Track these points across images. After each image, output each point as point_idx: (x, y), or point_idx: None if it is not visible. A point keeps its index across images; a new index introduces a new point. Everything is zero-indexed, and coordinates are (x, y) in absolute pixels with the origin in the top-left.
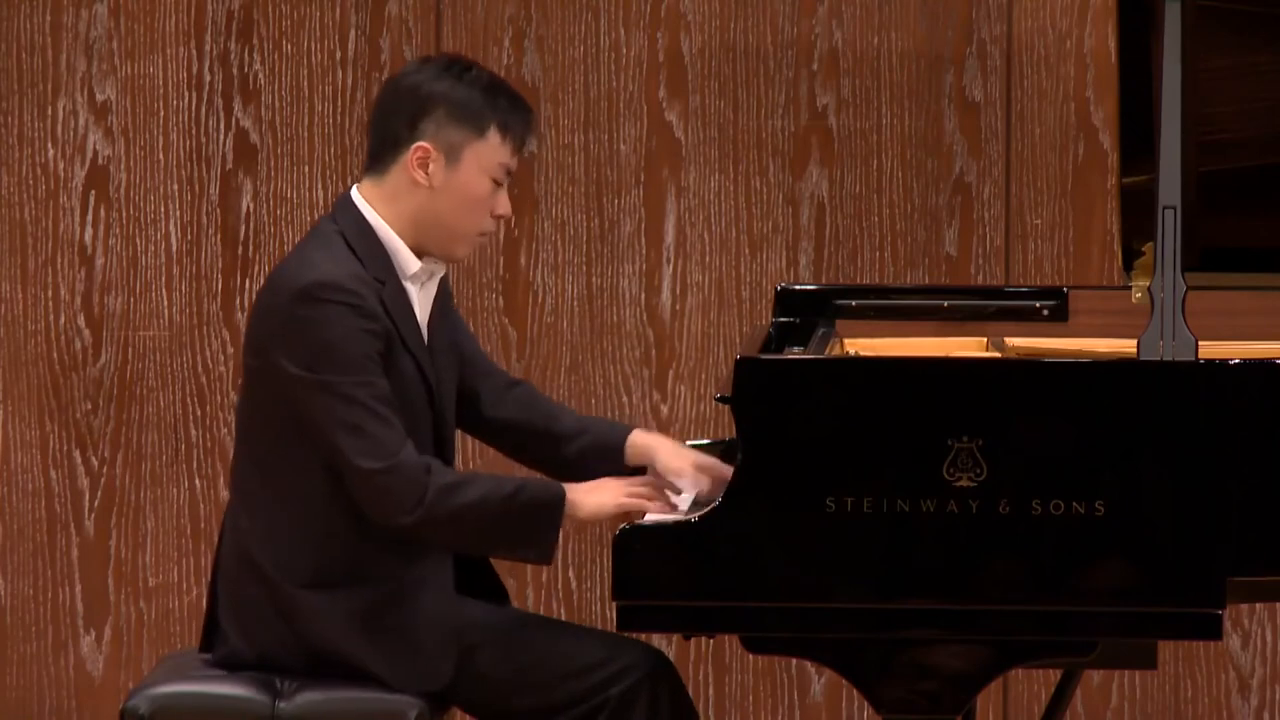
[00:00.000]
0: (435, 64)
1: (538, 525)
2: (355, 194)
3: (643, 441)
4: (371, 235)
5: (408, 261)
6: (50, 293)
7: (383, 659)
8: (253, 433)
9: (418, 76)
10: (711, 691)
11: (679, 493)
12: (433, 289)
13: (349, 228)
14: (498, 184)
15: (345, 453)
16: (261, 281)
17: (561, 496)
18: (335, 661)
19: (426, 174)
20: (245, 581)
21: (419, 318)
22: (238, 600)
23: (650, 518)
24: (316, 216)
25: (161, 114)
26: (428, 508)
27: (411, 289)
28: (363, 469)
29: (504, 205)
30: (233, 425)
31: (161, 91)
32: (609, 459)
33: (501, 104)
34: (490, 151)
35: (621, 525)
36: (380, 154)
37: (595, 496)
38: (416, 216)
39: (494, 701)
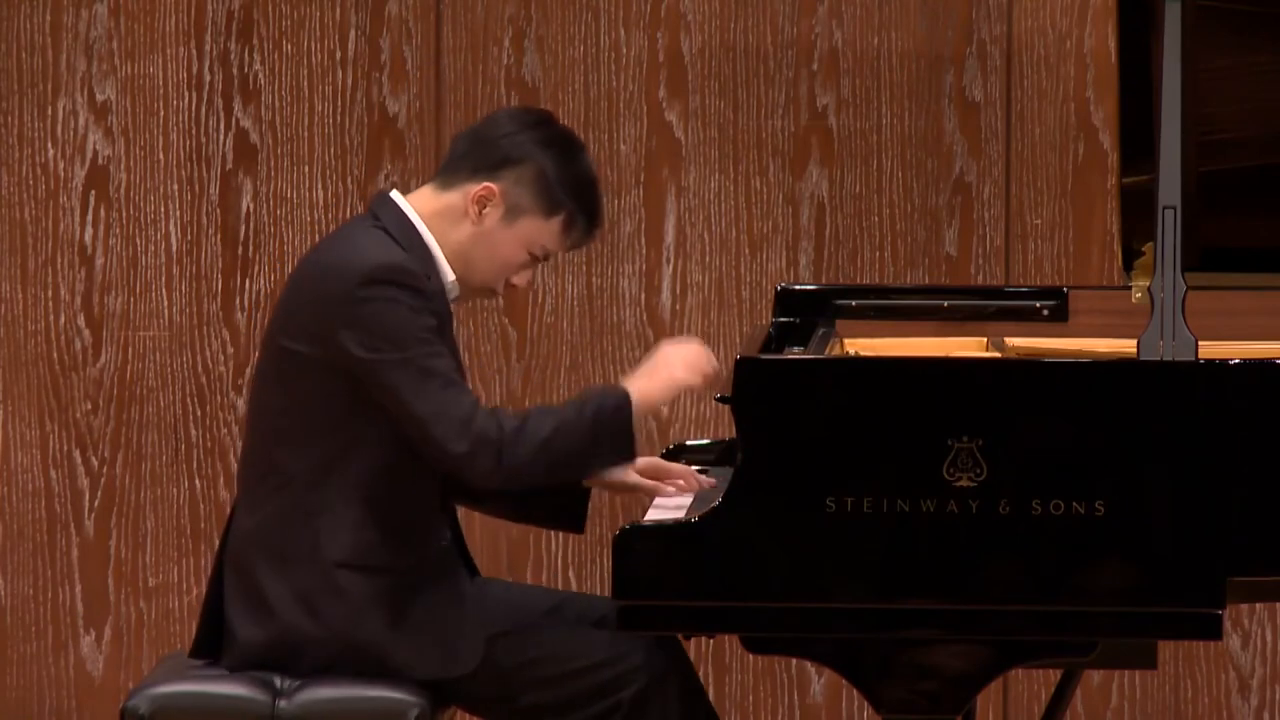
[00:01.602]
0: (553, 132)
1: (615, 434)
2: (398, 197)
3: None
4: (417, 237)
5: (446, 271)
6: (50, 293)
7: (408, 644)
8: (291, 418)
9: (530, 134)
10: (711, 692)
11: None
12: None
13: (393, 226)
14: (533, 259)
15: (434, 437)
16: (262, 282)
17: (626, 397)
18: (356, 648)
19: (480, 213)
20: (264, 570)
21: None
22: (251, 591)
23: (650, 517)
24: (317, 216)
25: (161, 114)
26: (508, 463)
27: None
28: (452, 452)
29: (524, 279)
30: (233, 425)
31: (161, 91)
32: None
33: (583, 203)
34: (545, 233)
35: (621, 525)
36: (455, 170)
37: (651, 386)
38: (456, 245)
39: (506, 694)
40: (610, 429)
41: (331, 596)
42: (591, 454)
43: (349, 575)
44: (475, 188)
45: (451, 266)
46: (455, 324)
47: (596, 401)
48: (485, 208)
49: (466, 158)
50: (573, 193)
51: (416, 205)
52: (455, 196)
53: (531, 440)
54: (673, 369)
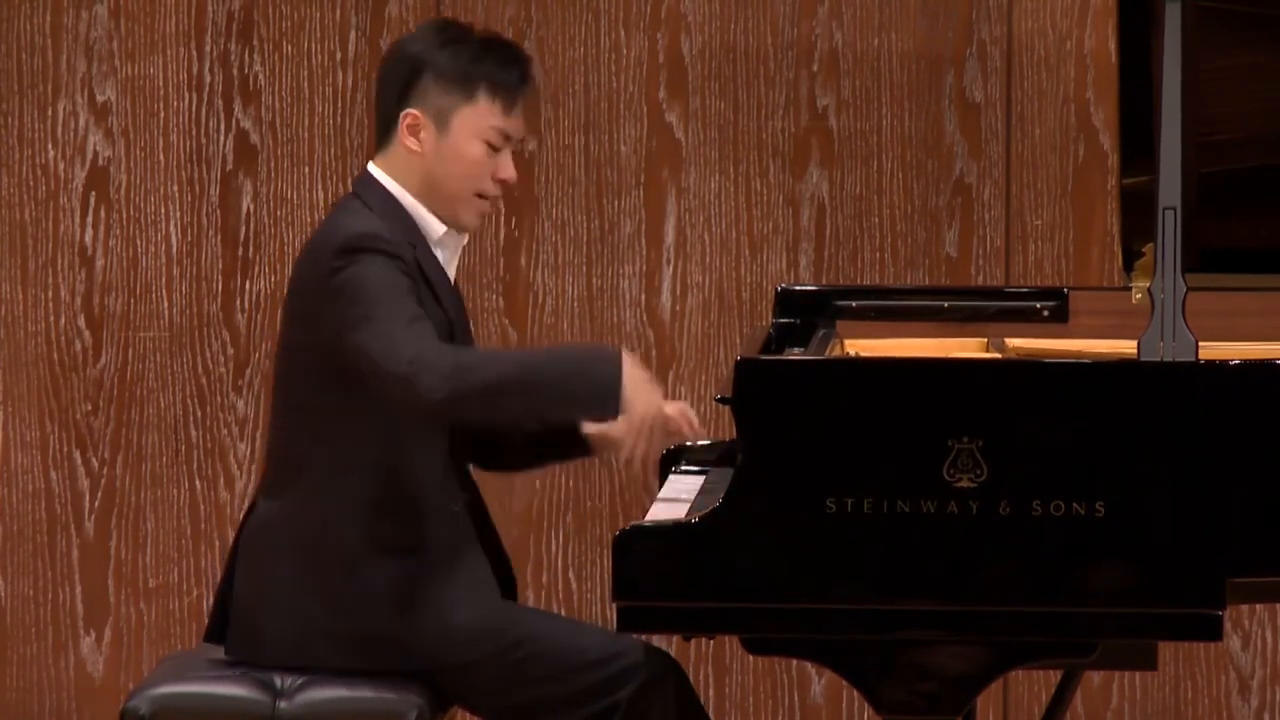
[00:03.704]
0: (428, 29)
1: (597, 376)
2: (373, 168)
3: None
4: (395, 204)
5: (434, 226)
6: (50, 294)
7: (420, 631)
8: (298, 408)
9: (409, 44)
10: (712, 692)
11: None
12: (456, 256)
13: (373, 199)
14: (494, 148)
15: (381, 369)
16: (262, 283)
17: (618, 352)
18: (368, 636)
19: (419, 141)
20: (277, 559)
21: (450, 278)
22: (264, 579)
23: (650, 518)
24: (317, 217)
25: (162, 115)
26: (459, 380)
27: (440, 254)
28: (395, 375)
29: (506, 169)
30: (233, 425)
31: (162, 93)
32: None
33: (489, 66)
34: (480, 116)
35: (621, 526)
36: (382, 126)
37: (647, 392)
38: (422, 184)
39: (503, 693)
40: (593, 374)
41: (342, 585)
42: (566, 397)
43: (360, 564)
44: (402, 123)
45: (432, 208)
46: (453, 280)
47: (580, 347)
48: (420, 133)
49: (382, 107)
50: (475, 67)
51: (384, 170)
52: (396, 143)
53: (493, 367)
54: (658, 399)
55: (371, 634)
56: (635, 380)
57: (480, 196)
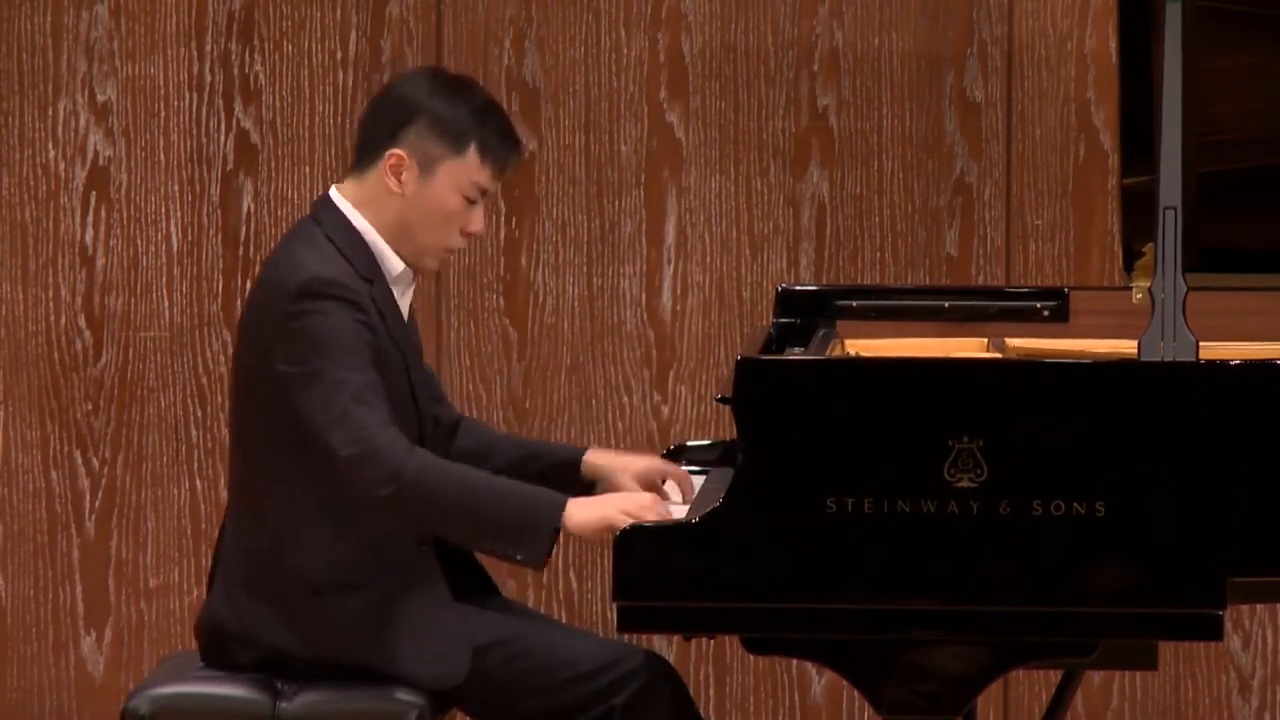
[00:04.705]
0: (434, 77)
1: (530, 524)
2: (335, 195)
3: (599, 460)
4: (356, 236)
5: (393, 263)
6: (51, 293)
7: (395, 659)
8: (254, 436)
9: (411, 85)
10: (712, 692)
11: (673, 500)
12: (410, 294)
13: (333, 229)
14: (470, 201)
15: (329, 442)
16: None
17: (562, 502)
18: (344, 665)
19: (399, 182)
20: (249, 588)
21: (403, 318)
22: (239, 608)
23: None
24: None
25: (162, 115)
26: (405, 484)
27: (395, 290)
28: (341, 455)
29: (476, 223)
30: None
31: (162, 92)
32: (567, 479)
33: (489, 127)
34: (467, 170)
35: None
36: (363, 155)
37: (584, 511)
38: (392, 222)
39: (499, 703)
40: (528, 522)
41: (311, 617)
42: (496, 535)
43: (327, 595)
44: (384, 160)
45: (397, 248)
46: (410, 314)
47: (528, 491)
48: (402, 174)
49: (367, 138)
50: (473, 121)
51: (350, 199)
52: (373, 177)
53: (442, 481)
54: (611, 504)
55: (346, 668)
56: (570, 517)
57: (446, 248)
